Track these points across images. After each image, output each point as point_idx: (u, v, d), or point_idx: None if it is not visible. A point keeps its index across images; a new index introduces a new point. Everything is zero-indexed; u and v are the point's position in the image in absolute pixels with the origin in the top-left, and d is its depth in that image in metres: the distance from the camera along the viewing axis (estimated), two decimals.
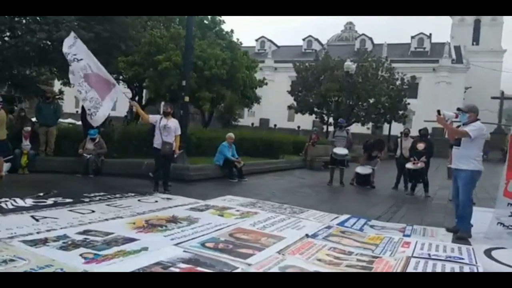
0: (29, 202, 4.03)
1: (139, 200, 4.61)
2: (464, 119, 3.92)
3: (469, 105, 4.10)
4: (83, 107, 7.13)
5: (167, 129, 5.21)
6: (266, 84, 16.61)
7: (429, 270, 2.74)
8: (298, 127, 27.67)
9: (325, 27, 74.23)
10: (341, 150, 7.37)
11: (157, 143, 5.21)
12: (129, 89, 17.33)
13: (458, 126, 4.19)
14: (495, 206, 3.98)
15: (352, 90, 18.95)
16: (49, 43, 7.19)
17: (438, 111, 3.97)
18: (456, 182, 3.98)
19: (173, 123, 5.36)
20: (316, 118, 23.35)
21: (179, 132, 5.44)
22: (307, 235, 3.44)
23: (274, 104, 29.60)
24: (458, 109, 4.03)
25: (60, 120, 8.69)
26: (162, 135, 5.16)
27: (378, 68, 21.30)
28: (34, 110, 7.47)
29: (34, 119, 7.46)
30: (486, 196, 6.28)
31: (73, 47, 4.95)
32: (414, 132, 7.88)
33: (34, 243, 2.72)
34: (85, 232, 3.07)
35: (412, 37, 33.24)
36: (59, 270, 2.25)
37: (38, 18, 6.97)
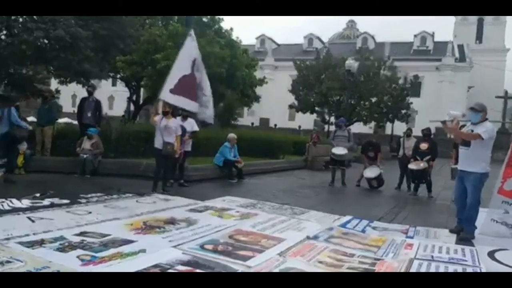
0: (25, 202, 3.99)
1: (137, 201, 4.57)
2: (477, 119, 3.74)
3: (480, 103, 3.90)
4: (79, 107, 7.13)
5: (168, 129, 5.17)
6: (266, 83, 16.56)
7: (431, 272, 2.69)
8: (299, 126, 27.60)
9: (326, 25, 73.93)
10: (339, 150, 7.28)
11: (158, 143, 5.17)
12: (127, 88, 17.33)
13: (463, 126, 4.10)
14: (489, 204, 3.93)
15: (354, 89, 18.89)
16: (46, 41, 7.14)
17: (443, 122, 3.83)
18: (460, 183, 3.89)
19: (174, 123, 5.32)
20: (317, 117, 23.29)
21: (179, 132, 5.40)
22: (308, 237, 3.39)
23: (274, 103, 29.55)
24: (471, 108, 3.84)
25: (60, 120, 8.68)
26: (163, 135, 5.12)
27: (380, 67, 21.22)
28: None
29: (31, 119, 7.46)
30: (489, 197, 6.20)
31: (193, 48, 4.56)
32: (418, 131, 7.79)
33: (31, 244, 2.68)
34: (82, 234, 3.03)
35: (415, 36, 33.12)
36: (55, 272, 2.20)
37: (35, 16, 6.92)
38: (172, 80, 4.51)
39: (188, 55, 4.48)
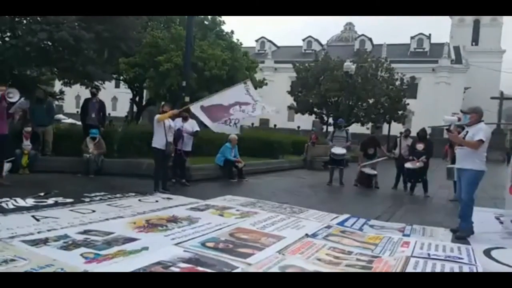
0: (30, 202, 4.04)
1: (139, 200, 4.63)
2: (466, 120, 3.94)
3: (471, 107, 4.11)
4: (83, 108, 7.18)
5: (171, 129, 5.32)
6: (266, 84, 16.63)
7: (428, 270, 2.74)
8: (298, 127, 27.70)
9: (325, 28, 74.20)
10: (339, 150, 7.38)
11: (160, 143, 5.20)
12: (130, 90, 17.38)
13: (461, 128, 4.24)
14: (505, 207, 4.00)
15: (352, 91, 19.00)
16: (50, 43, 7.18)
17: (448, 130, 4.02)
18: (460, 181, 3.98)
19: (174, 123, 5.51)
20: (316, 118, 23.39)
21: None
22: (307, 235, 3.45)
23: (274, 104, 29.38)
24: (461, 111, 4.10)
25: (63, 119, 8.68)
26: (167, 135, 5.20)
27: (377, 69, 21.36)
28: (29, 112, 7.32)
29: None
30: (485, 196, 6.29)
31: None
32: (414, 132, 7.88)
33: (35, 242, 2.73)
34: (85, 232, 3.08)
35: (412, 38, 33.27)
36: (59, 270, 2.25)
37: (38, 18, 6.95)
38: (209, 101, 5.08)
39: (234, 96, 5.02)
